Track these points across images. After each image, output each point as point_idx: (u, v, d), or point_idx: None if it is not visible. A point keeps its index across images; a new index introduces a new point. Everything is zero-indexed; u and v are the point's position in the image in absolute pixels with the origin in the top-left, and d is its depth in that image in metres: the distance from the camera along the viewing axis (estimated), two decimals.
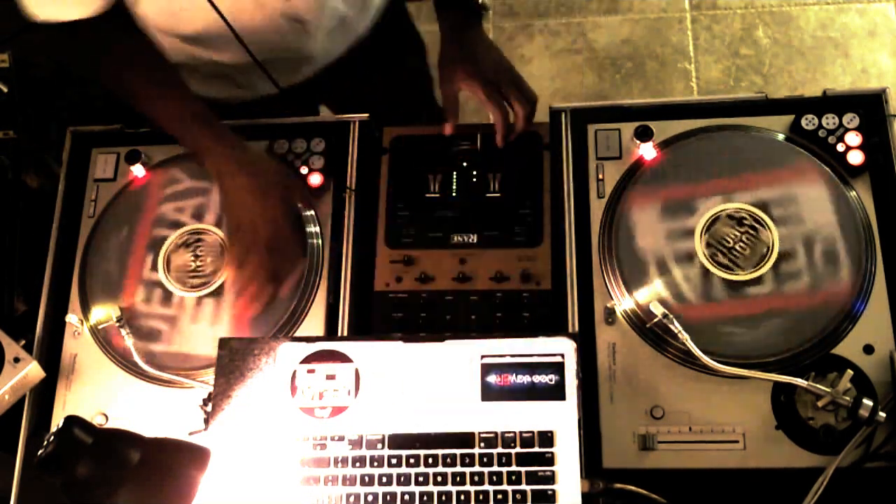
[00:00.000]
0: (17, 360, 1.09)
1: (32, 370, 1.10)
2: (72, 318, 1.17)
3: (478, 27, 1.25)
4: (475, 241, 1.18)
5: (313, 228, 1.19)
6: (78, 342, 1.17)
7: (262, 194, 1.11)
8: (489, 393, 0.97)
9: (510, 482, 0.93)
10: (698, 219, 1.10)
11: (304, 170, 1.22)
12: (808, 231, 1.08)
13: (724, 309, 1.06)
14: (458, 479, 0.93)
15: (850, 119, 1.14)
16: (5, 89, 1.34)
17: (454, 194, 1.21)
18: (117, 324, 1.14)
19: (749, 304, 1.06)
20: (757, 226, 1.09)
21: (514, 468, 0.93)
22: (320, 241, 1.18)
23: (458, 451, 0.94)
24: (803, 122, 1.15)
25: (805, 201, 1.10)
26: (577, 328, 1.09)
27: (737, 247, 1.09)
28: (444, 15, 1.26)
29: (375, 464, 0.95)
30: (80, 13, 1.09)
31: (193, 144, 1.16)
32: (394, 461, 0.95)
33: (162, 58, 1.20)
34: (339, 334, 1.13)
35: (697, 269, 1.08)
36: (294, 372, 0.99)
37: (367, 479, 0.94)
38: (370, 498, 0.93)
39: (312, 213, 1.20)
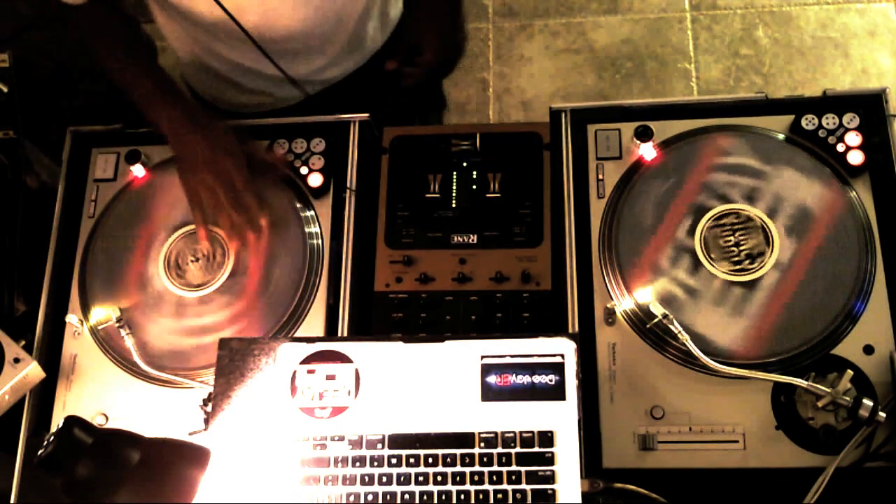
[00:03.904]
0: (17, 360, 1.09)
1: (32, 370, 1.10)
2: (72, 318, 1.17)
3: None
4: (475, 241, 1.18)
5: (313, 228, 1.19)
6: (78, 342, 1.17)
7: (210, 146, 1.14)
8: (489, 393, 0.97)
9: (510, 482, 0.93)
10: (698, 219, 1.10)
11: (304, 170, 1.22)
12: (807, 231, 1.08)
13: (724, 309, 1.06)
14: (458, 478, 0.93)
15: (850, 119, 1.14)
16: (5, 89, 1.34)
17: (454, 194, 1.21)
18: (117, 324, 1.14)
19: (749, 305, 1.06)
20: (757, 226, 1.09)
21: (514, 468, 0.93)
22: (320, 242, 1.18)
23: (458, 451, 0.94)
24: (803, 122, 1.15)
25: (805, 201, 1.10)
26: (577, 328, 1.09)
27: (736, 247, 1.09)
28: None
29: (375, 464, 0.95)
30: None
31: (157, 118, 1.18)
32: (394, 461, 0.95)
33: (140, 39, 1.27)
34: (339, 335, 1.13)
35: (697, 270, 1.08)
36: (294, 372, 0.99)
37: (367, 478, 0.94)
38: (370, 497, 0.93)
39: (312, 213, 1.20)
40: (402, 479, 0.94)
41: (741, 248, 1.08)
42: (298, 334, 1.13)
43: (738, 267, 1.08)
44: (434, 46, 1.35)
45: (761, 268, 1.07)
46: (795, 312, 1.05)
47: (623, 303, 1.09)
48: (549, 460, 0.93)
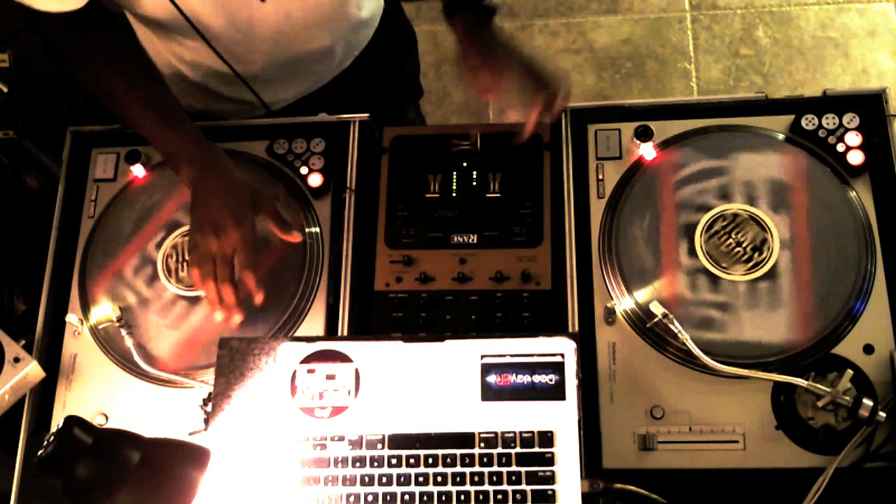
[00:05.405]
0: (17, 360, 1.09)
1: (32, 370, 1.10)
2: (72, 318, 1.17)
3: (491, 27, 1.19)
4: (475, 241, 1.18)
5: (313, 228, 1.19)
6: (78, 342, 1.17)
7: (229, 194, 1.08)
8: (489, 393, 0.97)
9: (510, 482, 0.93)
10: (698, 219, 1.10)
11: (304, 170, 1.22)
12: (807, 231, 1.08)
13: (724, 309, 1.06)
14: (458, 479, 0.93)
15: (850, 119, 1.14)
16: (5, 89, 1.34)
17: (454, 194, 1.21)
18: (117, 324, 1.14)
19: (749, 305, 1.06)
20: (757, 226, 1.09)
21: (514, 468, 0.93)
22: (320, 242, 1.18)
23: (458, 451, 0.94)
24: (803, 122, 1.15)
25: (805, 201, 1.10)
26: (577, 328, 1.09)
27: (737, 247, 1.09)
28: (456, 19, 1.19)
29: (375, 464, 0.95)
30: (56, 7, 1.04)
31: (169, 149, 1.13)
32: (394, 461, 0.95)
33: (144, 58, 1.18)
34: (339, 334, 1.13)
35: (697, 269, 1.08)
36: (294, 372, 0.99)
37: (367, 479, 0.94)
38: (370, 498, 0.93)
39: (312, 213, 1.20)
40: (402, 479, 0.94)
41: (741, 247, 1.08)
42: (298, 334, 1.13)
43: (737, 266, 1.07)
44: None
45: (761, 267, 1.07)
46: (795, 312, 1.05)
47: (623, 303, 1.09)
48: (549, 460, 0.93)
